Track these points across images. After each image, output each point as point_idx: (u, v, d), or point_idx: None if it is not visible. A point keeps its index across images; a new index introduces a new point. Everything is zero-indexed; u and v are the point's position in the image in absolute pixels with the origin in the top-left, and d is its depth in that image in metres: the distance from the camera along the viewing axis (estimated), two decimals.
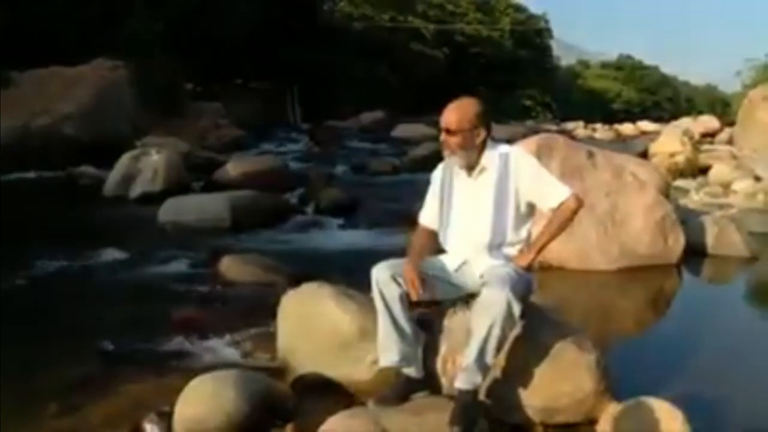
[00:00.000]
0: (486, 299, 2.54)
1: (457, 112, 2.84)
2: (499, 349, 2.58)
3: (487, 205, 2.83)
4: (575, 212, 2.81)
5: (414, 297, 2.75)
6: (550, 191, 2.82)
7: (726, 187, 10.62)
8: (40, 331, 4.21)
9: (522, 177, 2.82)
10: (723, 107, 57.98)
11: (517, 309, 2.53)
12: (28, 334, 4.12)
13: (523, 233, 2.86)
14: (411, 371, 2.85)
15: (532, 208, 2.89)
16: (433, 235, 3.07)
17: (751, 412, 3.15)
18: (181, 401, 2.85)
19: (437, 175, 3.07)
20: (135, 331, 4.08)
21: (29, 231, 7.45)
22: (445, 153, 2.90)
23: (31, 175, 12.17)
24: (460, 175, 2.94)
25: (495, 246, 2.82)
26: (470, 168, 2.89)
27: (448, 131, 2.84)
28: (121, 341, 3.94)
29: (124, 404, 3.14)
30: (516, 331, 2.69)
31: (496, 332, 2.51)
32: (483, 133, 2.85)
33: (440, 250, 3.04)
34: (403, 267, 2.77)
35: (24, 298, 5.05)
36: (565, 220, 2.80)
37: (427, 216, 3.10)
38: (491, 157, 2.86)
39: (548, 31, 52.30)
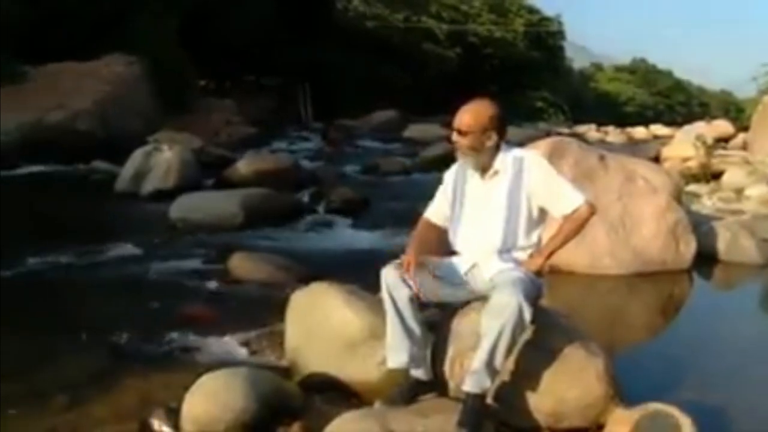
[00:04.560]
0: (497, 303, 2.53)
1: (470, 114, 2.82)
2: (508, 353, 2.57)
3: (498, 208, 2.82)
4: (587, 219, 2.79)
5: (410, 283, 2.76)
6: (563, 197, 2.79)
7: (739, 192, 10.53)
8: (48, 325, 4.23)
9: (535, 182, 2.80)
10: (737, 112, 57.52)
11: (528, 314, 2.52)
12: (36, 327, 4.15)
13: (534, 238, 2.85)
14: (419, 373, 2.85)
15: (544, 213, 2.87)
16: (435, 230, 3.09)
17: (761, 420, 3.13)
18: (189, 398, 2.86)
19: (450, 174, 3.07)
20: (144, 327, 4.09)
21: (40, 225, 7.50)
22: (459, 155, 2.90)
23: (44, 169, 12.24)
24: (474, 177, 2.93)
25: (505, 250, 2.81)
26: (483, 170, 2.88)
27: (459, 132, 2.83)
28: (129, 336, 3.96)
29: (131, 399, 3.16)
30: (525, 335, 2.68)
31: (507, 337, 2.50)
32: (494, 137, 2.82)
33: (450, 252, 3.04)
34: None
35: (33, 291, 5.08)
36: (577, 226, 2.78)
37: (433, 211, 3.13)
38: (504, 160, 2.85)
39: (561, 33, 52.03)
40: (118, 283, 5.40)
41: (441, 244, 3.09)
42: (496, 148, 2.85)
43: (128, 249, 6.42)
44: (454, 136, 2.85)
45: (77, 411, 3.06)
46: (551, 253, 2.78)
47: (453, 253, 3.01)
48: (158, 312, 4.53)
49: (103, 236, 6.71)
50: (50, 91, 14.37)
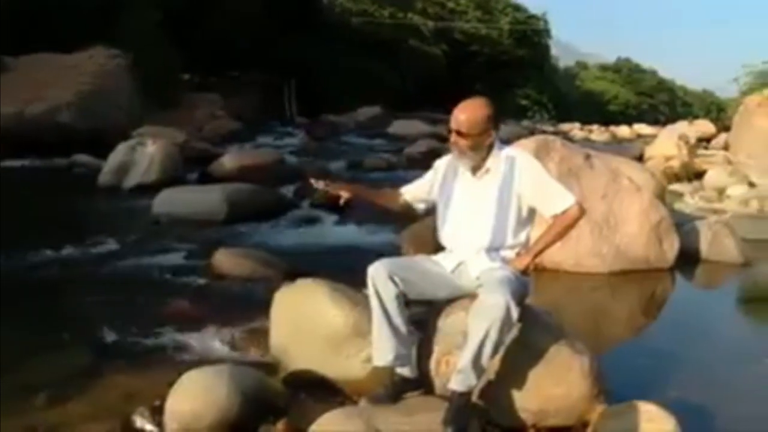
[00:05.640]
0: (485, 302, 2.52)
1: (468, 114, 2.81)
2: (495, 352, 2.56)
3: (488, 206, 2.82)
4: (577, 221, 2.80)
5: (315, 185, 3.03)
6: (553, 198, 2.80)
7: (720, 192, 10.63)
8: (29, 322, 4.18)
9: (526, 182, 2.80)
10: (718, 112, 58.14)
11: (515, 313, 2.52)
12: (17, 324, 4.09)
13: (522, 237, 2.86)
14: (405, 371, 2.84)
15: (533, 213, 2.88)
16: (400, 199, 3.20)
17: (742, 417, 3.16)
18: (173, 395, 2.83)
19: (441, 166, 3.07)
20: (127, 324, 4.05)
21: (21, 219, 7.41)
22: (454, 154, 2.89)
23: (25, 162, 12.10)
24: (465, 174, 2.93)
25: (493, 248, 2.81)
26: (475, 168, 2.88)
27: (459, 133, 2.82)
28: (112, 333, 3.93)
29: (114, 397, 3.12)
30: (512, 334, 2.68)
31: (494, 336, 2.49)
32: (493, 135, 2.84)
33: (437, 249, 3.03)
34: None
35: (14, 287, 5.00)
36: (565, 227, 2.79)
37: (410, 189, 3.19)
38: (496, 159, 2.85)
39: (547, 31, 52.24)
40: (100, 279, 5.34)
41: (395, 209, 3.25)
42: (490, 146, 2.85)
43: (110, 244, 6.36)
44: (453, 137, 2.84)
45: (59, 409, 3.02)
46: (539, 253, 2.79)
47: (441, 248, 3.01)
48: (141, 308, 4.48)
49: (85, 231, 6.64)
50: (30, 83, 14.19)
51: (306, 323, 3.29)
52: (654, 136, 20.28)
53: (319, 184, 3.05)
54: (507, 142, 3.37)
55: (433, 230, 3.08)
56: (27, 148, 12.24)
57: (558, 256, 5.32)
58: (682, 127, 22.22)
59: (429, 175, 3.13)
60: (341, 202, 3.07)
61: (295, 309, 3.41)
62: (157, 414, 2.84)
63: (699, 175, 12.42)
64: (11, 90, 13.67)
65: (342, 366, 3.15)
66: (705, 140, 20.82)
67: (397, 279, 2.71)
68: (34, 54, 15.38)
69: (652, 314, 5.18)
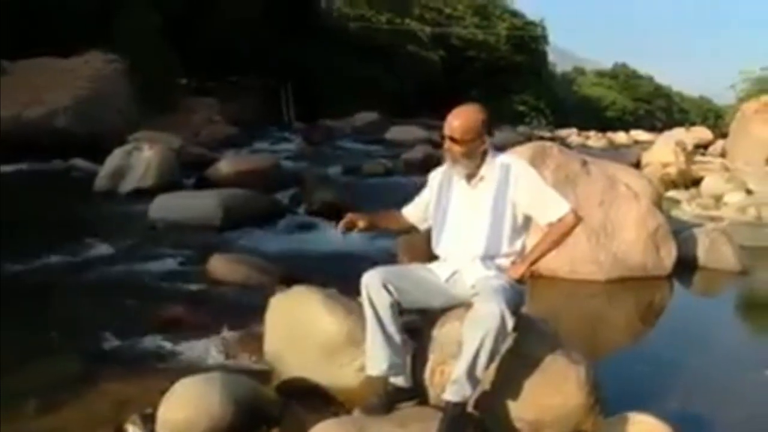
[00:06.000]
0: (479, 311, 2.50)
1: (462, 120, 2.79)
2: (490, 362, 2.54)
3: (483, 214, 2.80)
4: (572, 228, 2.78)
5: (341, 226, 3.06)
6: (549, 206, 2.78)
7: (718, 199, 10.64)
8: (21, 327, 4.14)
9: (521, 190, 2.78)
10: (716, 119, 58.33)
11: (510, 322, 2.50)
12: (9, 329, 4.05)
13: (518, 245, 2.83)
14: (399, 380, 2.81)
15: (528, 221, 2.86)
16: (403, 220, 3.22)
17: (740, 427, 3.14)
18: (165, 403, 2.81)
19: (435, 177, 3.06)
20: (120, 330, 4.03)
21: (17, 224, 7.37)
22: (448, 161, 2.88)
23: (22, 166, 12.05)
24: (460, 183, 2.91)
25: (489, 256, 2.78)
26: (469, 176, 2.86)
27: (453, 139, 2.80)
28: (105, 339, 3.91)
29: (106, 405, 3.09)
30: (507, 343, 2.66)
31: (489, 345, 2.47)
32: (487, 142, 2.82)
33: (432, 257, 3.01)
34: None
35: (7, 292, 4.96)
36: (561, 235, 2.77)
37: (411, 211, 3.19)
38: (491, 166, 2.83)
39: (544, 37, 52.34)
40: (95, 285, 5.31)
41: (401, 229, 3.35)
42: (484, 153, 2.83)
43: (106, 249, 6.33)
44: (447, 144, 2.82)
45: (50, 416, 3.00)
46: (534, 261, 2.77)
47: (434, 258, 2.99)
48: (135, 314, 4.46)
49: (80, 236, 6.60)
50: (28, 87, 14.15)
51: (300, 330, 3.27)
52: (651, 143, 20.31)
53: (342, 229, 3.10)
54: (503, 148, 3.36)
55: (428, 238, 3.06)
56: (24, 152, 12.19)
57: (554, 263, 5.30)
58: (679, 133, 22.29)
59: (425, 193, 3.12)
60: (355, 231, 3.10)
61: (289, 316, 3.38)
62: (149, 422, 2.82)
63: (696, 182, 12.42)
64: (9, 94, 13.62)
65: (336, 374, 3.13)
66: (702, 147, 20.86)
67: (391, 288, 2.69)
68: (32, 59, 15.35)
69: (650, 322, 5.16)
